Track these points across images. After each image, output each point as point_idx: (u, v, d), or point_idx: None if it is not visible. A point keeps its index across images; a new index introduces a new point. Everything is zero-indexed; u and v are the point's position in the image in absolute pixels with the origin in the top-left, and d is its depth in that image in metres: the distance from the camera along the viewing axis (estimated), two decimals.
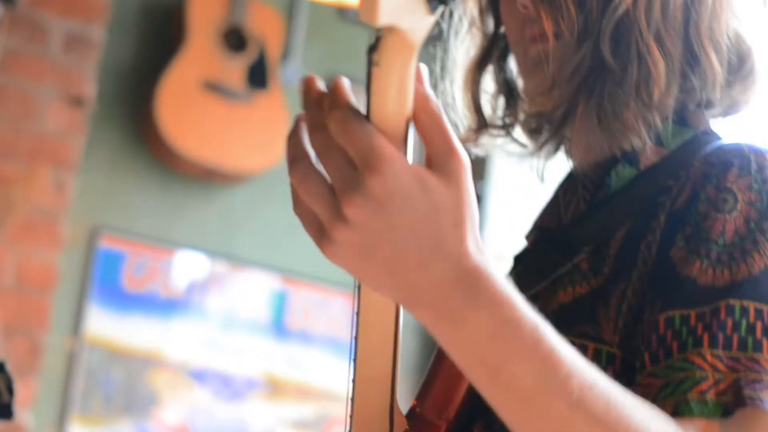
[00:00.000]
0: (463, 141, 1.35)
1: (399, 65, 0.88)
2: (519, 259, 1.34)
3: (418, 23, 0.87)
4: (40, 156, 3.91)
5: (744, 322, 1.07)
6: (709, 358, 1.06)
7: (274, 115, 4.24)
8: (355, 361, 1.03)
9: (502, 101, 1.38)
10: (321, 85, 0.93)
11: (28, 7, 3.88)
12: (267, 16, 4.29)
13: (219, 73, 4.17)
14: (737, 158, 1.15)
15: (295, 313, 4.37)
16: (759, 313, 1.07)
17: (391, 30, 0.87)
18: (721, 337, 1.07)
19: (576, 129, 1.22)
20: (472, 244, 0.91)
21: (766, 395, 1.05)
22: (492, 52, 1.38)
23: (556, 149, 1.31)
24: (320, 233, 0.91)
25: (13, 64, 3.89)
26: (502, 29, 1.37)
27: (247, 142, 4.19)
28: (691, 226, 1.13)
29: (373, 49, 0.88)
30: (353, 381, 1.05)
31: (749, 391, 1.05)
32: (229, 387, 4.25)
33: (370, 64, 0.88)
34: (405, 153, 0.90)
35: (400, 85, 0.89)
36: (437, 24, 1.32)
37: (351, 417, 1.08)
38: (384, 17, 0.85)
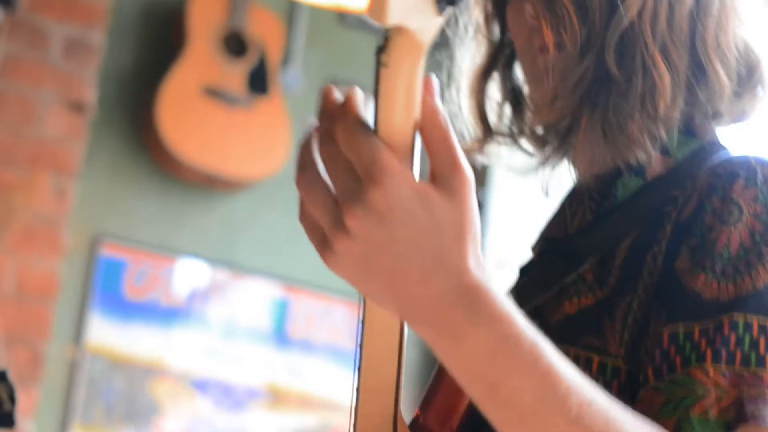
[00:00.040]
0: (469, 149, 1.36)
1: (408, 66, 0.89)
2: (525, 270, 1.34)
3: (427, 24, 0.88)
4: (40, 162, 3.91)
5: (747, 338, 1.07)
6: (711, 374, 1.06)
7: (275, 121, 4.25)
8: (359, 369, 1.03)
9: (508, 109, 1.37)
10: (338, 95, 0.93)
11: (29, 13, 3.91)
12: (267, 21, 4.31)
13: (219, 78, 4.18)
14: (744, 169, 1.14)
15: (297, 321, 4.37)
16: (762, 328, 1.07)
17: (399, 30, 0.88)
18: (724, 352, 1.07)
19: (580, 141, 1.22)
20: (473, 260, 0.91)
21: None
22: (498, 59, 1.38)
23: (561, 160, 1.30)
24: (323, 243, 0.92)
25: (13, 70, 3.91)
26: (508, 35, 1.36)
27: (247, 148, 4.21)
28: (696, 237, 1.13)
29: (381, 50, 0.89)
30: (357, 390, 1.04)
31: (752, 408, 1.05)
32: (230, 396, 4.25)
33: (379, 65, 0.89)
34: (411, 166, 0.92)
35: (409, 87, 0.90)
36: (443, 31, 1.31)
37: (354, 426, 1.07)
38: (393, 17, 0.85)
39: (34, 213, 3.89)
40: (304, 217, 0.94)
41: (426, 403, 1.28)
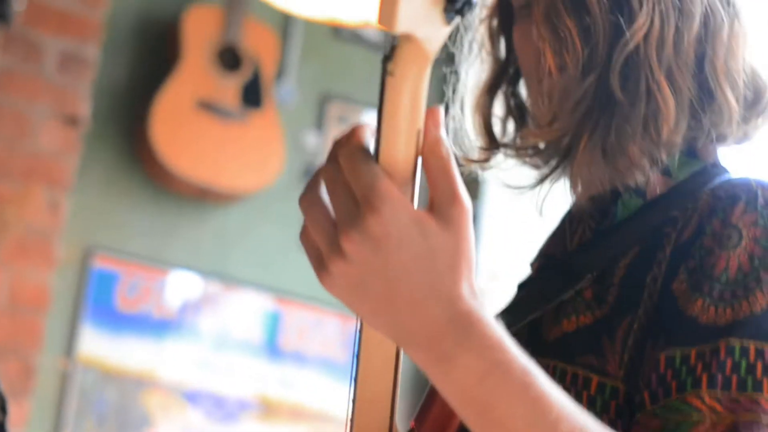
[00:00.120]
0: (472, 163, 1.36)
1: (414, 74, 0.90)
2: (523, 286, 1.35)
3: (434, 33, 0.89)
4: (34, 175, 3.91)
5: (744, 362, 1.07)
6: (707, 400, 1.06)
7: (269, 134, 4.24)
8: (355, 380, 1.03)
9: (511, 125, 1.38)
10: (366, 129, 0.95)
11: (23, 27, 3.90)
12: (261, 34, 4.30)
13: (213, 92, 4.18)
14: (744, 192, 1.14)
15: (289, 333, 4.37)
16: (760, 353, 1.07)
17: (407, 38, 0.89)
18: (720, 377, 1.06)
19: (578, 161, 1.22)
20: (466, 288, 0.93)
21: None
22: (503, 76, 1.38)
23: (560, 178, 1.30)
24: (319, 263, 0.94)
25: (7, 83, 3.91)
26: (514, 55, 1.36)
27: (241, 161, 4.20)
28: (695, 259, 1.13)
29: (388, 58, 0.90)
30: (353, 401, 1.05)
31: None
32: (222, 408, 4.24)
33: (385, 73, 0.90)
34: (409, 193, 0.93)
35: (414, 97, 0.91)
36: (448, 48, 1.33)
37: None
38: (402, 24, 0.86)
39: (28, 225, 3.89)
40: (304, 237, 0.96)
41: (421, 415, 1.29)
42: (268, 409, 4.30)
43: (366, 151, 0.91)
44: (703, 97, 1.22)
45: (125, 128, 4.21)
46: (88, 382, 4.05)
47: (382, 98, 0.90)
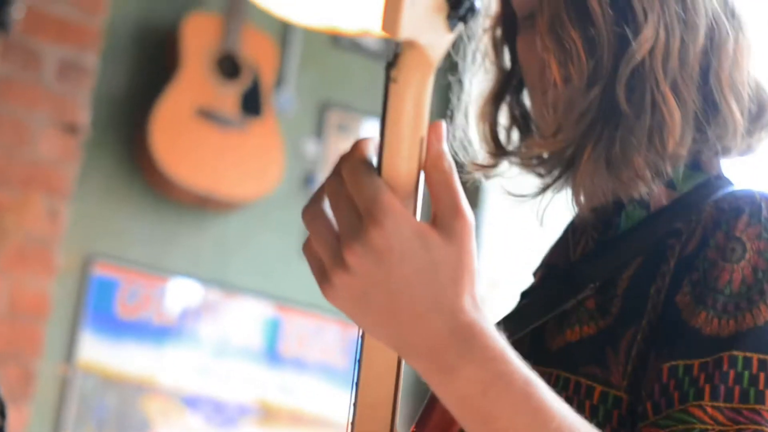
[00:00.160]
0: (480, 168, 1.36)
1: (417, 81, 0.90)
2: (525, 295, 1.36)
3: (437, 40, 0.89)
4: (33, 183, 3.91)
5: (746, 374, 1.07)
6: (709, 410, 1.06)
7: (268, 142, 4.24)
8: (357, 385, 1.03)
9: (515, 134, 1.38)
10: (370, 142, 0.95)
11: (22, 35, 3.89)
12: (261, 42, 4.30)
13: (213, 100, 4.17)
14: (748, 205, 1.15)
15: (289, 340, 4.36)
16: (762, 364, 1.08)
17: (411, 45, 0.88)
18: (722, 389, 1.07)
19: (581, 171, 1.22)
20: (468, 300, 0.93)
21: None
22: (508, 85, 1.38)
23: (562, 188, 1.30)
24: (322, 275, 0.94)
25: (6, 91, 3.90)
26: (518, 65, 1.36)
27: (240, 170, 4.20)
28: (698, 272, 1.14)
29: (391, 65, 0.90)
30: (354, 405, 1.05)
31: None
32: (221, 413, 4.24)
33: (388, 80, 0.90)
34: (413, 207, 0.93)
35: (417, 104, 0.91)
36: (451, 57, 1.32)
37: None
38: (406, 31, 0.86)
39: (27, 233, 3.89)
40: (307, 249, 0.96)
41: (422, 421, 1.29)
42: (267, 414, 4.30)
43: (369, 164, 0.92)
44: (708, 109, 1.22)
45: (125, 136, 4.21)
46: (87, 388, 4.05)
47: (385, 105, 0.90)
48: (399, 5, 0.85)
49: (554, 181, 1.27)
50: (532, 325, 1.26)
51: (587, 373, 1.17)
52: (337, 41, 4.53)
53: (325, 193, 0.95)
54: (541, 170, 1.29)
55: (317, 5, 3.14)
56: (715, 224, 1.15)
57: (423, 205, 0.94)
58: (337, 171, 0.93)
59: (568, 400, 1.00)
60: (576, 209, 1.29)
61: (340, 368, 4.38)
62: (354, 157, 0.92)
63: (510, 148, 1.36)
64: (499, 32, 1.38)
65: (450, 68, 1.36)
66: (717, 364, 1.08)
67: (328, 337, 4.39)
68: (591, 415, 1.14)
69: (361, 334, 1.01)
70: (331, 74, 4.53)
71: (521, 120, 1.37)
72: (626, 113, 1.19)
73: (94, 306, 4.12)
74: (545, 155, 1.29)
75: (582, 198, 1.26)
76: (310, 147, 4.47)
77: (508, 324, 1.25)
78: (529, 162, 1.30)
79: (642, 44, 1.19)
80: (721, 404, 1.06)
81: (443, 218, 0.92)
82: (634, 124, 1.19)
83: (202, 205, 4.25)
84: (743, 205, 1.15)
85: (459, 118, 1.39)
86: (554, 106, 1.24)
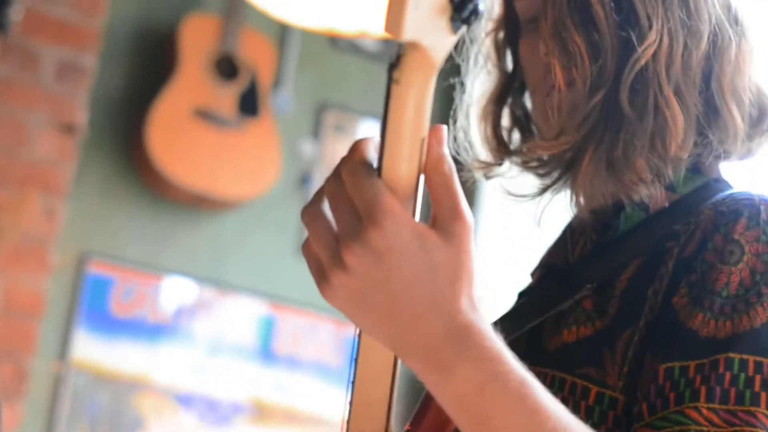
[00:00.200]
0: (483, 167, 1.37)
1: (419, 83, 0.90)
2: (523, 295, 1.36)
3: (440, 42, 0.89)
4: (30, 183, 3.91)
5: (742, 376, 1.07)
6: (705, 412, 1.06)
7: (265, 143, 4.23)
8: (353, 383, 1.03)
9: (516, 135, 1.38)
10: (370, 143, 0.96)
11: (21, 36, 3.88)
12: (259, 44, 4.29)
13: (210, 100, 4.17)
14: (747, 208, 1.15)
15: (283, 338, 4.36)
16: (758, 366, 1.08)
17: (413, 46, 0.89)
18: (718, 390, 1.07)
19: (582, 174, 1.22)
20: (466, 301, 0.93)
21: None
22: (510, 87, 1.38)
23: (562, 189, 1.30)
24: (321, 275, 0.95)
25: (4, 92, 3.89)
26: (521, 68, 1.36)
27: (237, 170, 4.19)
28: (696, 274, 1.14)
29: (393, 66, 0.90)
30: (350, 403, 1.05)
31: None
32: (215, 411, 4.23)
33: (390, 81, 0.90)
34: (412, 208, 0.93)
35: (419, 105, 0.91)
36: (453, 59, 1.34)
37: None
38: (409, 32, 0.86)
39: (24, 232, 3.88)
40: (306, 249, 0.96)
41: (417, 419, 1.29)
42: (261, 412, 4.29)
43: (368, 165, 0.92)
44: (709, 113, 1.23)
45: (122, 136, 4.20)
46: (80, 385, 4.05)
47: (386, 106, 0.90)
48: (403, 7, 0.85)
49: (554, 182, 1.27)
50: (529, 325, 1.26)
51: (583, 374, 1.17)
52: (334, 42, 4.53)
53: (324, 193, 0.95)
54: (542, 171, 1.29)
55: (315, 7, 3.14)
56: (713, 227, 1.15)
57: (423, 207, 0.95)
58: (336, 172, 0.94)
59: (564, 401, 1.01)
60: (575, 210, 1.30)
61: (334, 366, 4.38)
62: (354, 158, 0.92)
63: (511, 148, 1.37)
64: (501, 35, 1.39)
65: (452, 70, 1.35)
66: (713, 366, 1.08)
67: (322, 335, 4.39)
68: (586, 416, 1.14)
69: (357, 332, 1.01)
70: (328, 75, 4.52)
71: (523, 121, 1.37)
72: (629, 116, 1.20)
73: (89, 304, 4.11)
74: (545, 157, 1.28)
75: (582, 199, 1.27)
76: (307, 147, 4.46)
77: (505, 324, 1.25)
78: (529, 163, 1.31)
79: (646, 49, 1.19)
80: (717, 406, 1.06)
81: (443, 220, 0.92)
82: (636, 128, 1.19)
83: (198, 205, 4.24)
84: (742, 208, 1.15)
85: (461, 119, 1.39)
86: (557, 109, 1.24)
